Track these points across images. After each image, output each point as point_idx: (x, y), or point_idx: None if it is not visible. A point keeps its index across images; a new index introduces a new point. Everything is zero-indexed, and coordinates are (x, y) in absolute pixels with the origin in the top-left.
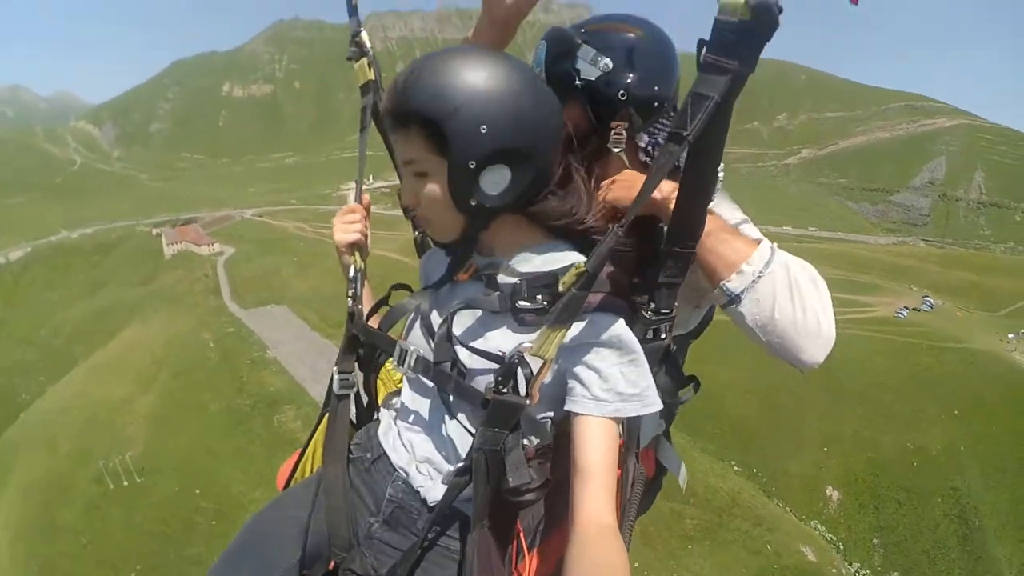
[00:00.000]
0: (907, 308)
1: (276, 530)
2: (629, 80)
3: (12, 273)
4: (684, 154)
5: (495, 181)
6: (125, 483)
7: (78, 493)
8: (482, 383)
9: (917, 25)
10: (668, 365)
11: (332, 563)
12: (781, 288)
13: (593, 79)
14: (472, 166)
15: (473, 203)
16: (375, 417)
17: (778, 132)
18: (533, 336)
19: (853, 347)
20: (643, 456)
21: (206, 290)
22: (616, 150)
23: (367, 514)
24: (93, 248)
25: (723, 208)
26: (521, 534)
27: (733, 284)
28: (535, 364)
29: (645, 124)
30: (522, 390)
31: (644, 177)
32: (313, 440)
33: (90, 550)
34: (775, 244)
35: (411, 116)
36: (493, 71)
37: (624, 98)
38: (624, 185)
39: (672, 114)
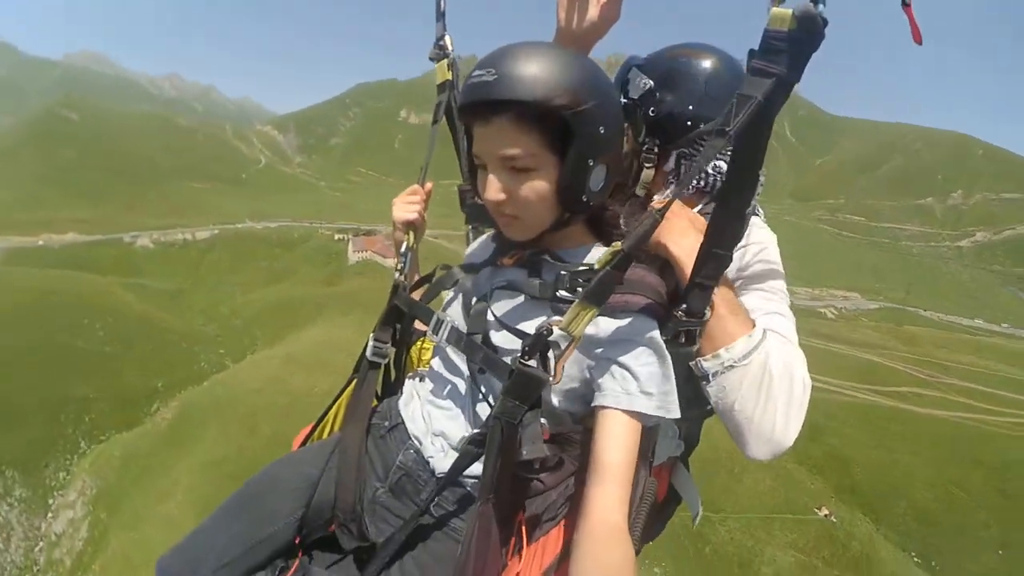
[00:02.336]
0: None
1: (283, 484)
2: (665, 99)
3: (198, 250)
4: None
5: (598, 179)
6: None
7: None
8: (508, 358)
9: None
10: (693, 376)
11: (332, 526)
12: (750, 384)
13: (636, 98)
14: (590, 163)
15: (584, 199)
16: (399, 393)
17: (952, 211)
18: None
19: None
20: (656, 474)
21: None
22: (647, 166)
23: (374, 480)
24: (277, 241)
25: (774, 289)
26: (523, 525)
27: (707, 364)
28: (562, 344)
29: (676, 142)
30: (548, 368)
31: (678, 214)
32: (335, 406)
33: None
34: (772, 336)
35: (527, 108)
36: (600, 74)
37: (654, 115)
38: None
39: (706, 139)
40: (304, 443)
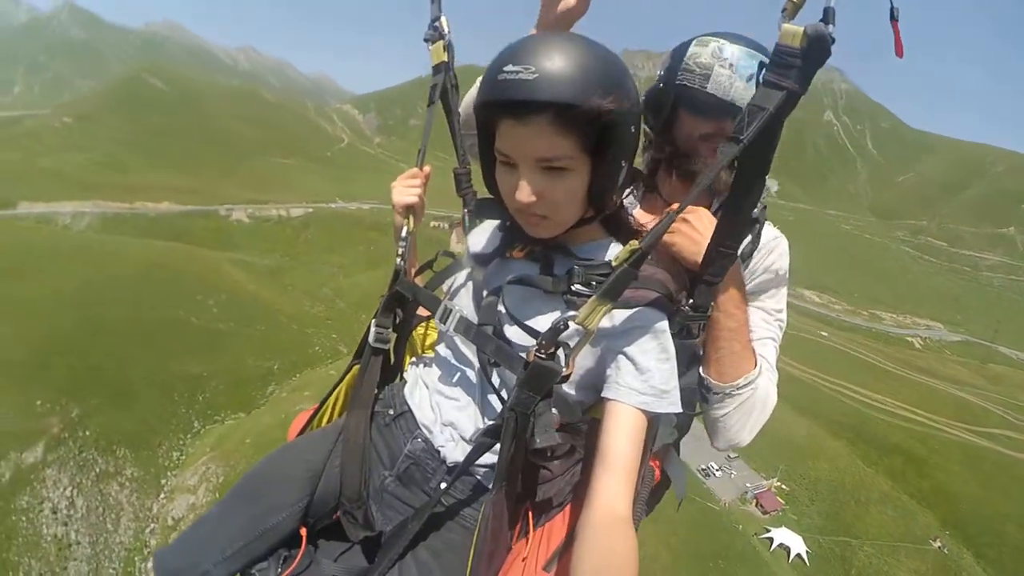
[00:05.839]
0: None
1: (286, 473)
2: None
3: (292, 228)
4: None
5: (622, 177)
6: None
7: None
8: (522, 352)
9: None
10: (695, 369)
11: (336, 514)
12: (739, 406)
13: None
14: (623, 164)
15: (613, 198)
16: (399, 379)
17: None
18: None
19: None
20: (651, 461)
21: None
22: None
23: (381, 468)
24: (371, 224)
25: (776, 300)
26: (530, 511)
27: (715, 385)
28: (576, 338)
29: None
30: (561, 360)
31: (704, 218)
32: (334, 393)
33: None
34: (765, 367)
35: (569, 110)
36: (627, 71)
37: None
38: (688, 231)
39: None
40: (303, 431)
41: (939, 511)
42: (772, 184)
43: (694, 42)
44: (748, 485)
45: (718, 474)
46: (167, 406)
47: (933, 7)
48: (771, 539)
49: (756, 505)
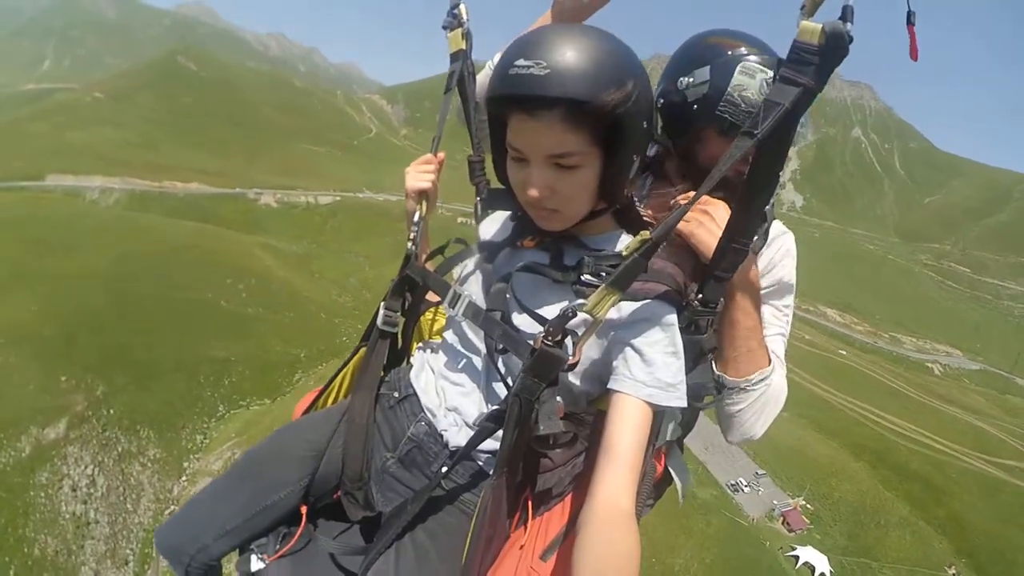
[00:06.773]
0: None
1: (289, 452)
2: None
3: (320, 215)
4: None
5: (634, 170)
6: None
7: None
8: (529, 339)
9: None
10: (703, 365)
11: (337, 494)
12: (753, 402)
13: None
14: (635, 159)
15: (625, 192)
16: (405, 362)
17: None
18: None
19: None
20: (655, 456)
21: None
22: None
23: (383, 449)
24: (398, 215)
25: (784, 295)
26: (530, 500)
27: (731, 381)
28: (583, 326)
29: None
30: (568, 348)
31: (713, 208)
32: (341, 375)
33: None
34: (777, 362)
35: (581, 106)
36: (640, 64)
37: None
38: (700, 222)
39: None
40: (307, 411)
41: (954, 539)
42: (797, 198)
43: (738, 69)
44: (775, 502)
45: (746, 490)
46: (192, 388)
47: (972, 32)
48: (796, 557)
49: (783, 523)
